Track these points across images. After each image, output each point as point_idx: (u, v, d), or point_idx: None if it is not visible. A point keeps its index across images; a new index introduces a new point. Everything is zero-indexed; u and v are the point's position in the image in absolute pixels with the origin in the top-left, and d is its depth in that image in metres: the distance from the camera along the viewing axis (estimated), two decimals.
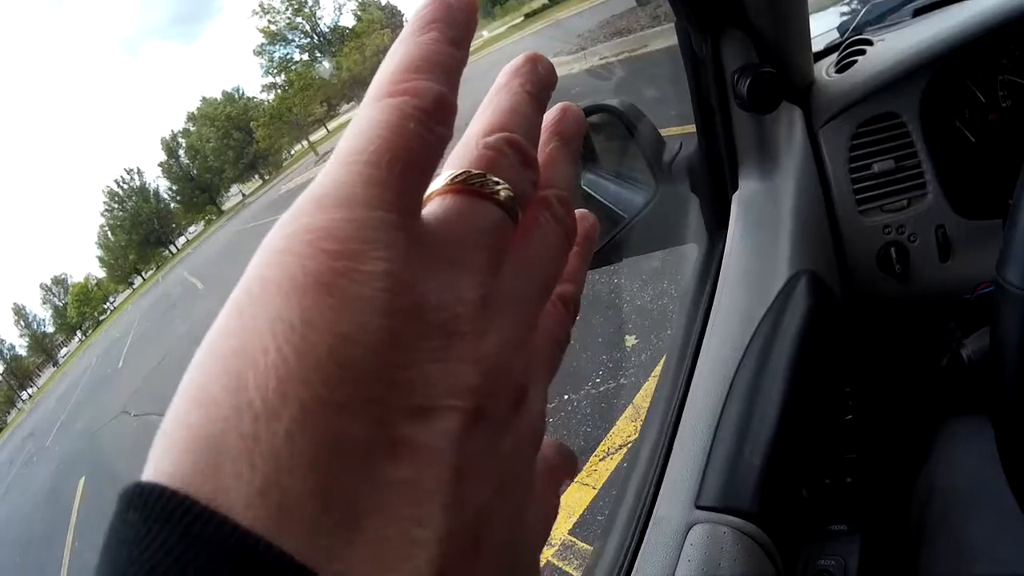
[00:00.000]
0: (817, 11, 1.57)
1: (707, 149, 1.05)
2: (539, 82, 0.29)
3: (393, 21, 45.15)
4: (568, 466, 0.31)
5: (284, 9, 45.71)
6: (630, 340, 3.77)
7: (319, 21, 46.99)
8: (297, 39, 46.60)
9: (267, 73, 47.60)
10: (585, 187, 1.34)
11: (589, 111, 1.15)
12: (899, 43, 1.01)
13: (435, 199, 0.25)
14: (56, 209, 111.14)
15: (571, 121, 0.32)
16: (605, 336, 3.88)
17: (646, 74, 8.48)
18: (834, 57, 1.09)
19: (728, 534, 0.71)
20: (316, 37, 46.69)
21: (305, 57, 47.49)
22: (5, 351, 63.11)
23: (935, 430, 1.01)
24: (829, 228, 1.00)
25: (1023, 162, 0.67)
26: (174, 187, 59.48)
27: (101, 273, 64.75)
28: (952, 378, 0.96)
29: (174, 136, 58.06)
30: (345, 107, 51.24)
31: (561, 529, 2.83)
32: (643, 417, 0.92)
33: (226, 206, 60.41)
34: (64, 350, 64.08)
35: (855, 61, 1.03)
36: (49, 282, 65.82)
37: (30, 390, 58.89)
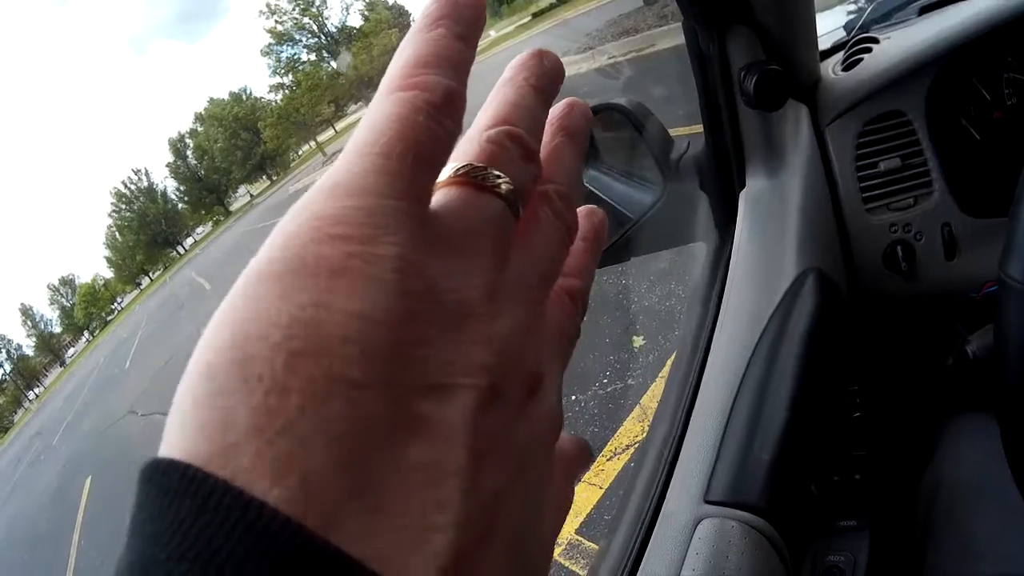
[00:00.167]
0: (824, 9, 1.57)
1: (714, 147, 1.06)
2: (544, 76, 0.30)
3: (400, 21, 44.96)
4: (583, 457, 0.32)
5: (291, 9, 45.55)
6: (637, 341, 3.77)
7: (326, 21, 46.82)
8: (304, 39, 46.44)
9: (274, 73, 47.47)
10: (591, 186, 1.34)
11: (597, 109, 1.15)
12: (905, 41, 1.01)
13: (440, 190, 0.25)
14: (63, 210, 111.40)
15: (577, 116, 0.32)
16: (612, 337, 3.88)
17: (654, 73, 8.46)
18: (840, 55, 1.09)
19: (736, 528, 0.71)
20: (323, 37, 46.57)
21: (313, 57, 47.43)
22: (12, 351, 63.28)
23: (942, 427, 1.01)
24: (836, 226, 1.00)
25: None
26: (182, 188, 59.52)
27: (109, 274, 64.87)
28: (958, 376, 0.97)
29: (181, 137, 58.06)
30: (353, 107, 51.01)
31: (568, 528, 2.82)
32: (650, 418, 0.92)
33: (234, 207, 60.42)
34: (71, 350, 64.17)
35: (861, 59, 1.04)
36: (56, 282, 65.99)
37: (37, 390, 59.06)
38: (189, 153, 58.34)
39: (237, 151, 55.20)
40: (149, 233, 60.11)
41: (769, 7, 0.92)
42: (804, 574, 0.87)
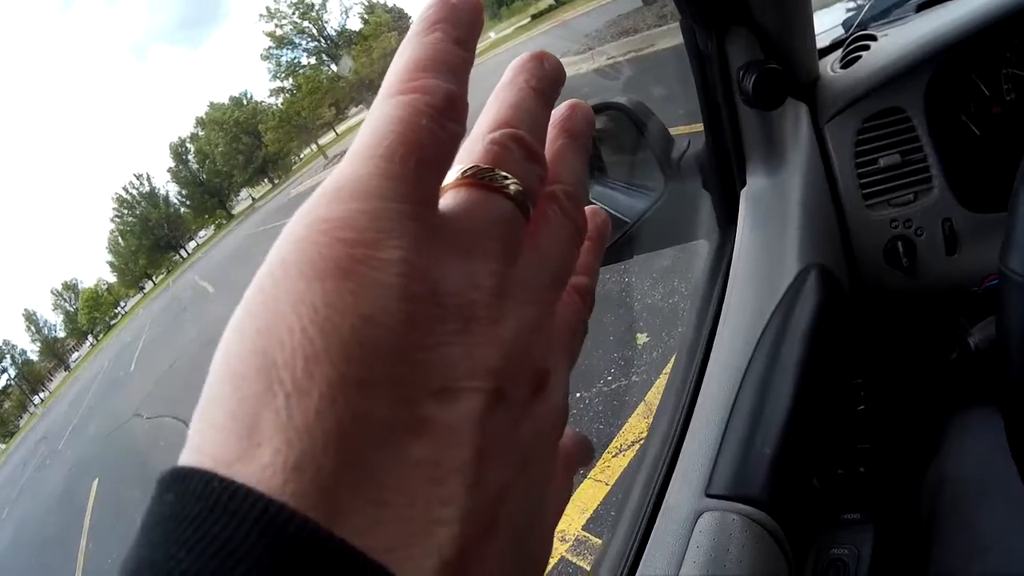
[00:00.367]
0: (822, 8, 1.58)
1: (715, 146, 1.06)
2: (545, 78, 0.30)
3: (400, 24, 44.78)
4: (584, 453, 0.32)
5: (291, 13, 45.48)
6: (641, 338, 3.77)
7: (326, 25, 46.84)
8: (304, 43, 46.39)
9: (275, 77, 47.40)
10: (593, 198, 1.34)
11: (597, 109, 1.15)
12: (903, 38, 1.01)
13: (448, 192, 0.25)
14: (66, 215, 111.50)
15: (580, 118, 0.32)
16: (616, 334, 3.88)
17: (653, 73, 8.46)
18: (839, 53, 1.09)
19: (737, 521, 0.71)
20: (323, 41, 46.52)
21: (313, 61, 47.35)
22: (17, 356, 63.20)
23: (946, 420, 1.01)
24: (837, 223, 1.01)
25: None
26: (184, 192, 59.41)
27: (112, 278, 64.71)
28: (962, 369, 0.97)
29: (182, 142, 58.00)
30: (354, 110, 50.99)
31: (575, 525, 2.83)
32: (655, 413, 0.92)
33: (236, 210, 60.40)
34: (75, 354, 64.07)
35: (859, 56, 1.04)
36: (60, 287, 65.92)
37: (42, 394, 59.00)
38: (190, 157, 58.25)
39: (238, 155, 55.11)
40: (151, 237, 60.03)
41: (767, 6, 0.93)
42: (808, 567, 0.87)
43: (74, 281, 66.97)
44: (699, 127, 1.07)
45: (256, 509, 0.17)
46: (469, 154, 0.27)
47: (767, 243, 0.97)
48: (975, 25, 0.95)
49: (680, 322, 3.59)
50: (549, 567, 0.27)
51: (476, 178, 0.26)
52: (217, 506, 0.17)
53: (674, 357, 1.06)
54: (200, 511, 0.17)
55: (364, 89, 43.30)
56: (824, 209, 1.00)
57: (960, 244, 0.96)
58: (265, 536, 0.17)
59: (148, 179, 59.55)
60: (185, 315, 24.12)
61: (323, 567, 0.17)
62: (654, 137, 1.12)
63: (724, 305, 0.95)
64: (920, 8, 1.10)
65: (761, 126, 1.00)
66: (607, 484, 2.95)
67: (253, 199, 59.53)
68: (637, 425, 3.19)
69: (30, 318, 64.95)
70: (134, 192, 58.93)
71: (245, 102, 55.16)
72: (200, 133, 57.07)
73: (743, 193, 1.03)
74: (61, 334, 65.89)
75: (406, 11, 46.91)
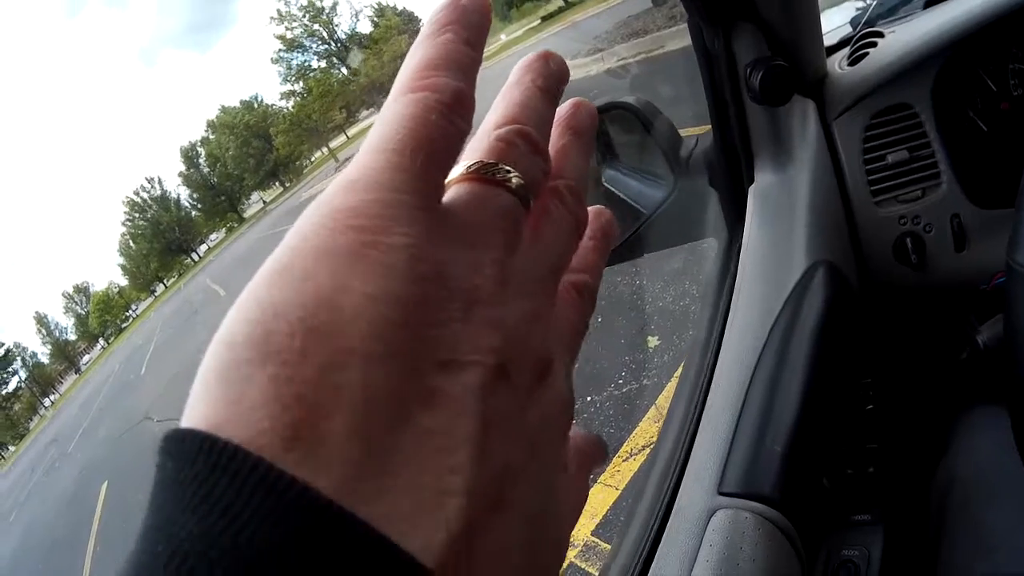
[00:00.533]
0: (831, 6, 1.57)
1: (723, 143, 1.06)
2: (550, 77, 0.31)
3: (410, 27, 44.94)
4: (598, 453, 0.33)
5: (301, 16, 45.68)
6: (652, 341, 3.76)
7: (336, 28, 47.01)
8: (315, 46, 46.58)
9: (285, 81, 47.66)
10: (606, 183, 1.35)
11: (606, 108, 1.16)
12: (909, 34, 1.01)
13: (453, 187, 0.26)
14: (77, 218, 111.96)
15: (583, 116, 0.33)
16: (627, 337, 3.87)
17: (664, 74, 8.46)
18: (846, 50, 1.09)
19: (750, 519, 0.71)
20: (334, 44, 46.70)
21: (323, 64, 47.52)
22: (27, 359, 63.51)
23: (955, 419, 1.01)
24: (845, 219, 1.01)
25: None
26: (195, 195, 59.64)
27: (123, 281, 64.96)
28: (971, 369, 0.96)
29: (192, 146, 58.18)
30: (364, 113, 51.06)
31: (584, 530, 2.82)
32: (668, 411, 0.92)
33: (247, 213, 60.52)
34: (86, 357, 64.35)
35: (867, 53, 1.04)
36: (71, 290, 66.25)
37: (52, 397, 59.29)
38: (202, 161, 58.45)
39: (249, 158, 55.28)
40: (163, 241, 60.28)
41: (773, 3, 0.93)
42: (819, 568, 0.87)
43: (85, 284, 67.35)
44: (708, 128, 1.07)
45: (257, 473, 0.17)
46: (476, 150, 0.28)
47: (775, 240, 0.97)
48: (982, 21, 0.95)
49: (691, 325, 3.58)
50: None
51: (480, 173, 0.27)
52: (217, 468, 0.18)
53: (685, 358, 1.06)
54: (198, 473, 0.18)
55: (375, 92, 43.43)
56: (832, 206, 0.99)
57: (969, 240, 0.96)
58: (267, 502, 0.17)
59: (159, 182, 59.82)
60: (196, 318, 24.22)
61: (327, 537, 0.17)
62: (662, 136, 1.13)
63: (733, 302, 0.95)
64: (927, 4, 1.10)
65: (769, 123, 1.00)
66: (617, 489, 2.95)
67: (264, 202, 59.67)
68: (648, 429, 3.18)
69: (41, 320, 65.28)
70: (145, 195, 59.18)
71: (256, 105, 55.35)
72: (211, 136, 57.29)
73: (751, 190, 1.03)
74: (72, 337, 66.22)
75: (416, 14, 47.08)
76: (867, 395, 1.02)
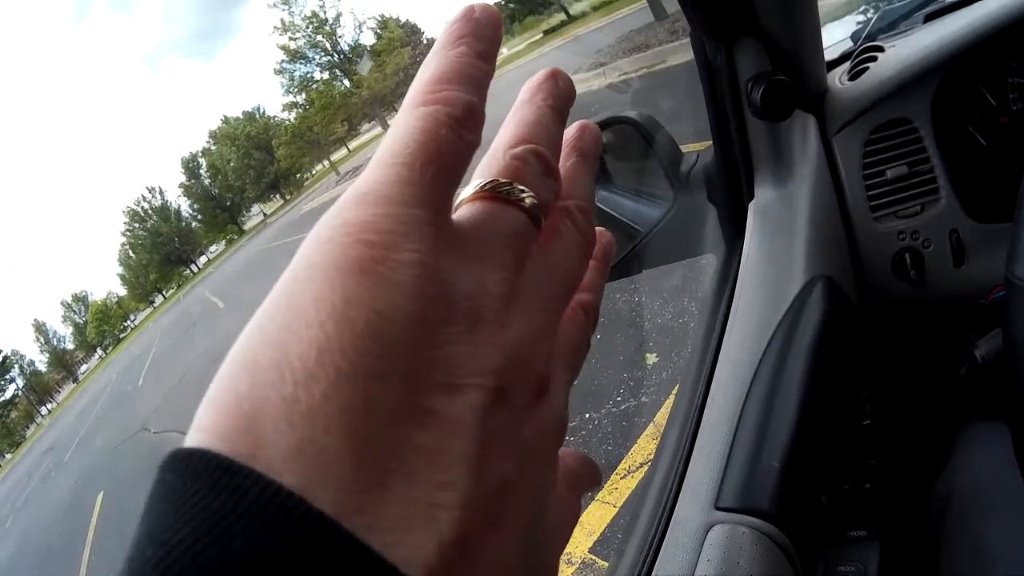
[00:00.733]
0: (831, 21, 1.58)
1: (723, 158, 1.07)
2: (560, 96, 0.31)
3: (413, 39, 44.87)
4: (590, 475, 0.33)
5: (305, 26, 45.67)
6: (650, 358, 3.75)
7: (340, 39, 47.05)
8: (318, 57, 46.57)
9: (288, 92, 47.52)
10: (599, 204, 1.35)
11: (607, 123, 1.16)
12: (909, 48, 1.02)
13: (465, 204, 0.27)
14: (77, 227, 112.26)
15: (589, 139, 0.34)
16: (626, 354, 3.86)
17: (665, 89, 8.48)
18: (847, 65, 1.09)
19: (747, 534, 0.71)
20: (337, 55, 46.75)
21: (326, 76, 47.54)
22: (25, 367, 63.63)
23: (954, 434, 1.01)
24: (844, 234, 1.01)
25: None
26: (195, 206, 59.77)
27: (122, 291, 65.14)
28: (970, 383, 0.96)
29: (193, 157, 58.31)
30: (366, 126, 51.20)
31: (581, 547, 2.81)
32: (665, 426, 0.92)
33: (247, 226, 60.72)
34: (84, 367, 64.48)
35: (867, 68, 1.04)
36: (70, 299, 66.33)
37: (49, 405, 59.38)
38: (203, 172, 58.60)
39: (250, 170, 55.37)
40: (162, 251, 60.37)
41: (775, 18, 0.93)
42: None
43: (84, 293, 67.55)
44: (709, 144, 1.08)
45: (256, 488, 0.18)
46: (489, 168, 0.28)
47: (774, 255, 0.97)
48: (980, 35, 0.95)
49: (690, 342, 3.57)
50: None
51: (494, 191, 0.27)
52: (218, 484, 0.18)
53: (683, 372, 1.06)
54: (200, 488, 0.18)
55: (376, 105, 43.41)
56: (832, 221, 0.99)
57: (968, 255, 0.96)
58: (261, 513, 0.17)
59: (160, 193, 60.02)
60: (195, 330, 24.16)
61: (314, 547, 0.18)
62: (663, 150, 1.13)
63: (731, 317, 0.95)
64: (928, 19, 1.11)
65: (769, 138, 1.00)
66: (615, 506, 2.93)
67: (265, 215, 59.80)
68: (646, 446, 3.17)
69: (39, 329, 65.36)
70: (145, 205, 59.35)
71: (258, 116, 55.55)
72: (213, 147, 57.41)
73: (751, 206, 1.04)
74: (70, 346, 66.37)
75: (419, 26, 47.15)
76: (865, 410, 1.01)
